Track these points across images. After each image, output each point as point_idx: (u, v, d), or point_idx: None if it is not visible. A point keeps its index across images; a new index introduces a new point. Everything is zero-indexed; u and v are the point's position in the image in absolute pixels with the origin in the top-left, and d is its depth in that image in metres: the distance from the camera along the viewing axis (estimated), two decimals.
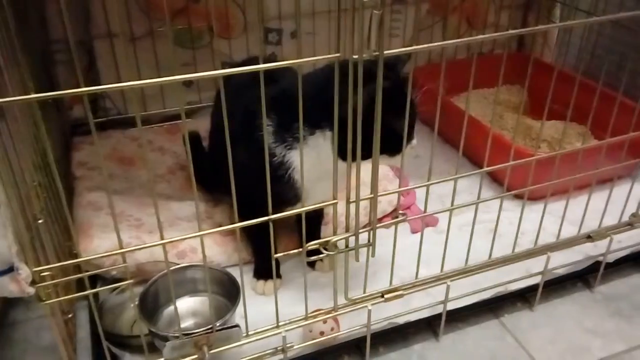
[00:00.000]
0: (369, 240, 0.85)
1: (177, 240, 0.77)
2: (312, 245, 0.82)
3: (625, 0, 1.01)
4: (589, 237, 1.05)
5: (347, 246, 0.84)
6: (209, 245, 1.15)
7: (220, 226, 1.21)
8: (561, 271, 1.08)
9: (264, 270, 1.11)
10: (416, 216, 1.19)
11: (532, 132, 1.55)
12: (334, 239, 0.82)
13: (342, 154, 0.78)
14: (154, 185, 1.33)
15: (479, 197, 0.91)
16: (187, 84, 1.55)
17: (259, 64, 0.68)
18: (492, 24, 1.75)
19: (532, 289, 1.07)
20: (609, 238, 1.06)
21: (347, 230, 0.83)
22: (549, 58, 1.71)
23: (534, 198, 1.11)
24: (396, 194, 1.31)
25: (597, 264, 1.11)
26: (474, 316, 1.06)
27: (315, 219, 1.14)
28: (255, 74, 0.71)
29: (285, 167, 0.94)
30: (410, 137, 0.88)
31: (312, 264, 1.15)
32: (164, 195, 1.30)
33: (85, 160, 1.35)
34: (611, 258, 1.11)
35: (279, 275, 1.11)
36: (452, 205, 0.89)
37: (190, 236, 0.77)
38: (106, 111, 1.49)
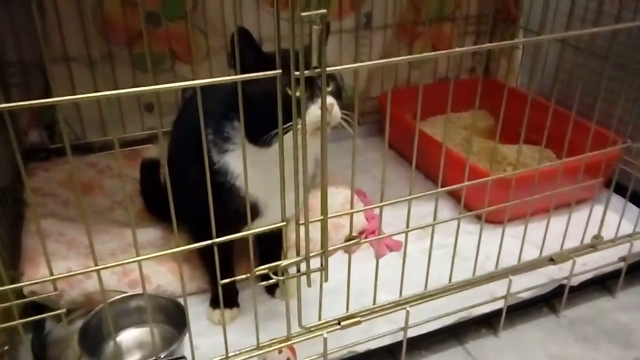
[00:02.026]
0: (321, 265, 0.81)
1: (114, 265, 0.73)
2: (261, 270, 0.78)
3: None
4: (552, 260, 1.02)
5: (299, 271, 0.81)
6: (162, 273, 1.11)
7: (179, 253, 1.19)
8: (525, 295, 1.06)
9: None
10: (372, 239, 1.16)
11: (498, 155, 1.54)
12: (283, 263, 0.79)
13: (249, 137, 0.81)
14: (110, 214, 1.29)
15: (434, 219, 0.88)
16: (149, 108, 1.52)
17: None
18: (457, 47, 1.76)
19: (497, 314, 1.05)
20: (571, 261, 1.04)
21: (298, 254, 0.79)
22: (514, 82, 1.72)
23: (497, 221, 1.09)
24: (362, 218, 1.31)
25: (561, 288, 1.09)
26: (437, 343, 1.03)
27: (275, 240, 1.11)
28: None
29: (224, 173, 0.92)
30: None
31: (271, 291, 1.12)
32: (120, 223, 1.26)
33: (38, 186, 1.30)
34: (575, 281, 1.09)
35: (236, 304, 1.07)
36: (407, 227, 0.86)
37: (129, 261, 0.73)
38: (62, 137, 1.44)
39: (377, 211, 1.37)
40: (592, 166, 1.11)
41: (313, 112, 0.80)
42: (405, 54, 1.71)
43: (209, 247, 1.02)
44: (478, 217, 1.29)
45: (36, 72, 1.37)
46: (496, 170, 1.46)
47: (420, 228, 0.88)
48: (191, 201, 0.90)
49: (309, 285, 0.81)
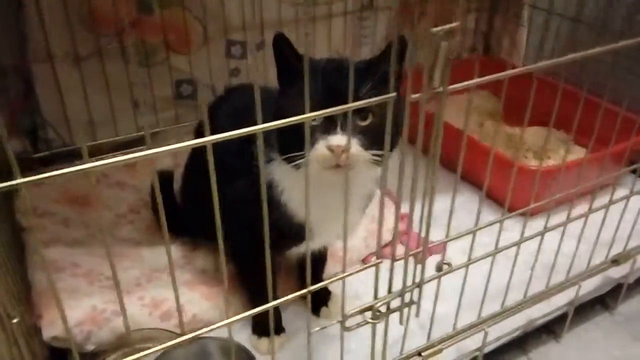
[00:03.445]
0: (411, 300, 0.73)
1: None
2: (353, 312, 0.69)
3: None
4: (615, 262, 0.98)
5: (388, 308, 0.72)
6: (196, 301, 1.00)
7: (204, 272, 1.07)
8: (585, 297, 1.02)
9: (265, 324, 0.97)
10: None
11: (513, 141, 1.49)
12: (378, 303, 0.70)
13: (281, 154, 0.75)
14: (117, 231, 1.16)
15: (497, 242, 0.81)
16: (139, 105, 1.36)
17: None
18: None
19: (556, 318, 1.00)
20: (632, 260, 1.00)
21: (389, 291, 0.71)
22: (518, 62, 1.66)
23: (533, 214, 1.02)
24: (392, 219, 1.22)
25: (617, 286, 1.06)
26: (502, 354, 0.98)
27: (319, 260, 1.02)
28: (245, 101, 0.68)
29: (268, 186, 0.81)
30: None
31: (315, 310, 1.03)
32: (132, 242, 1.13)
33: (32, 205, 1.14)
34: (631, 279, 1.06)
35: (282, 329, 0.98)
36: (469, 259, 0.78)
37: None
38: (48, 143, 1.28)
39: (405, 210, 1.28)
40: (621, 152, 1.08)
41: (319, 150, 0.68)
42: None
43: (252, 268, 0.92)
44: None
45: (14, 76, 1.19)
46: (518, 157, 1.41)
47: (511, 246, 0.81)
48: (232, 216, 0.79)
49: (401, 323, 0.73)
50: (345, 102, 0.57)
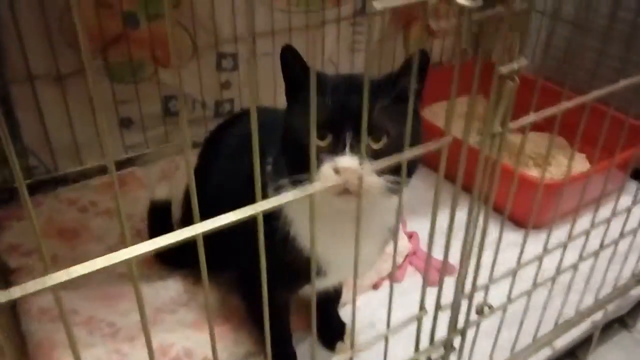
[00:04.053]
0: (451, 346, 0.68)
1: None
2: None
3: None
4: (639, 281, 0.96)
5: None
6: (205, 342, 0.92)
7: (212, 309, 1.00)
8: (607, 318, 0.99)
9: None
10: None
11: (512, 149, 1.46)
12: (421, 357, 0.65)
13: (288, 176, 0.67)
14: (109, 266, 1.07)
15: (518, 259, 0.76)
16: (126, 124, 1.28)
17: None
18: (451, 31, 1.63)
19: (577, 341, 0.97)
20: None
21: (431, 342, 0.66)
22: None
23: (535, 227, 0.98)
24: (405, 241, 1.17)
25: (637, 304, 1.03)
26: None
27: (334, 297, 0.96)
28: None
29: (277, 216, 0.73)
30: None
31: (330, 344, 0.97)
32: (127, 277, 1.04)
33: (16, 242, 1.05)
34: None
35: None
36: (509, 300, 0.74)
37: None
38: (30, 171, 1.18)
39: (414, 228, 1.23)
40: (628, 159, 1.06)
41: (324, 172, 0.61)
42: (401, 39, 1.57)
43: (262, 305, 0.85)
44: (517, 224, 1.21)
45: None
46: (519, 166, 1.38)
47: (522, 295, 0.76)
48: (239, 249, 0.73)
49: None
50: (357, 121, 0.50)
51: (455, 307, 0.63)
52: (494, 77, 0.49)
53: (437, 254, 0.59)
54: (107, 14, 1.12)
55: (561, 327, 0.87)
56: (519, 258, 0.69)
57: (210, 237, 0.50)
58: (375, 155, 0.63)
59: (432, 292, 0.63)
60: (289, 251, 0.74)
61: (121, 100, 1.23)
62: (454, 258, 0.61)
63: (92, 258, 1.15)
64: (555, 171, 1.40)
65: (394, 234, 0.68)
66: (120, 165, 1.27)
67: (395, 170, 0.57)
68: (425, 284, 0.61)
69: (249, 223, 0.65)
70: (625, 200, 0.88)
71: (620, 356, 1.01)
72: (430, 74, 0.64)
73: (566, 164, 1.38)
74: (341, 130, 0.62)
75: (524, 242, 0.68)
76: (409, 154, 0.50)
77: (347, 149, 0.61)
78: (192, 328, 0.94)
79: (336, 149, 0.61)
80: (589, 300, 0.90)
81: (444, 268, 0.61)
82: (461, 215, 0.57)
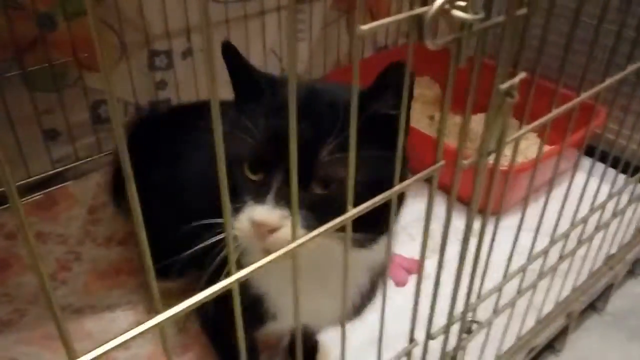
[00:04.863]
0: None
1: None
2: None
3: None
4: (611, 268, 0.94)
5: None
6: None
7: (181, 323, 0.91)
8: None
9: None
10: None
11: (471, 133, 1.43)
12: None
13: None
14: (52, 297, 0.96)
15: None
16: (52, 136, 1.15)
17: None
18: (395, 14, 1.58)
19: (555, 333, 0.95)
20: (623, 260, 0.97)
21: None
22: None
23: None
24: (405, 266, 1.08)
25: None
26: None
27: (309, 348, 0.88)
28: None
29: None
30: None
31: None
32: (70, 309, 0.94)
33: None
34: (620, 276, 1.03)
35: None
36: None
37: None
38: None
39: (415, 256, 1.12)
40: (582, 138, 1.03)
41: (242, 220, 0.49)
42: (344, 24, 1.50)
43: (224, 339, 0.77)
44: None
45: None
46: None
47: (507, 305, 0.72)
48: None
49: None
50: (302, 157, 0.37)
51: (446, 333, 0.58)
52: (493, 95, 0.42)
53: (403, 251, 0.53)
54: (18, 16, 0.99)
55: (542, 323, 0.84)
56: (506, 272, 0.65)
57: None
58: (317, 204, 0.49)
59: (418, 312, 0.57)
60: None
61: (44, 110, 1.10)
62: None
63: (27, 291, 1.03)
64: (508, 153, 1.39)
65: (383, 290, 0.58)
66: (49, 181, 1.15)
67: (361, 223, 0.42)
68: (416, 314, 0.56)
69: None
70: (580, 179, 0.77)
71: (595, 340, 1.00)
72: (377, 59, 0.53)
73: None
74: (271, 168, 0.49)
75: (510, 259, 0.63)
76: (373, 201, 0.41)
77: (272, 194, 0.47)
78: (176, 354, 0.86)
79: (261, 192, 0.48)
80: (566, 292, 0.88)
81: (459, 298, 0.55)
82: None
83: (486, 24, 0.36)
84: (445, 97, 0.41)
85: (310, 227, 0.47)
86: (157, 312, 0.34)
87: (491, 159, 0.49)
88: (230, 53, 0.54)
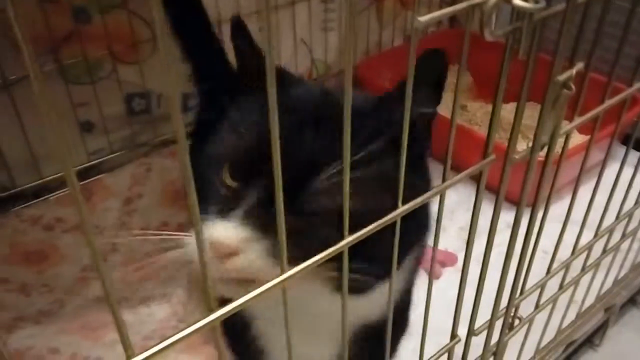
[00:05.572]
0: None
1: None
2: None
3: None
4: None
5: None
6: None
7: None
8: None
9: None
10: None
11: (503, 122, 1.40)
12: None
13: None
14: (85, 290, 0.98)
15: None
16: (88, 128, 1.16)
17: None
18: (425, 1, 1.55)
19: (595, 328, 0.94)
20: None
21: None
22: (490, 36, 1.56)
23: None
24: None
25: None
26: None
27: None
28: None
29: None
30: None
31: None
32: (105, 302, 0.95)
33: None
34: None
35: None
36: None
37: None
38: None
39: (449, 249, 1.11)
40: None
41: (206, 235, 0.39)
42: (374, 13, 1.48)
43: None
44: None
45: None
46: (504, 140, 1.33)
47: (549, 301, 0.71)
48: None
49: None
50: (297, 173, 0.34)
51: (489, 329, 0.57)
52: (550, 86, 0.41)
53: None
54: (54, 10, 1.00)
55: (582, 317, 0.83)
56: (549, 267, 0.63)
57: None
58: (305, 229, 0.40)
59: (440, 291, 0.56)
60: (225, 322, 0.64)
61: (79, 102, 1.12)
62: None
63: (65, 282, 1.05)
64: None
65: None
66: (85, 173, 1.16)
67: (361, 257, 0.36)
68: (459, 309, 0.55)
69: None
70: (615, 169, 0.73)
71: (632, 336, 0.98)
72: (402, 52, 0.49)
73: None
74: (251, 177, 0.41)
75: (553, 258, 0.62)
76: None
77: (241, 210, 0.39)
78: (187, 353, 0.87)
79: (231, 204, 0.41)
80: (607, 285, 0.86)
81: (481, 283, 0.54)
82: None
83: (546, 12, 0.35)
84: (498, 91, 0.40)
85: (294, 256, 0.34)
86: (211, 311, 0.34)
87: (542, 153, 0.47)
88: (240, 32, 0.48)
